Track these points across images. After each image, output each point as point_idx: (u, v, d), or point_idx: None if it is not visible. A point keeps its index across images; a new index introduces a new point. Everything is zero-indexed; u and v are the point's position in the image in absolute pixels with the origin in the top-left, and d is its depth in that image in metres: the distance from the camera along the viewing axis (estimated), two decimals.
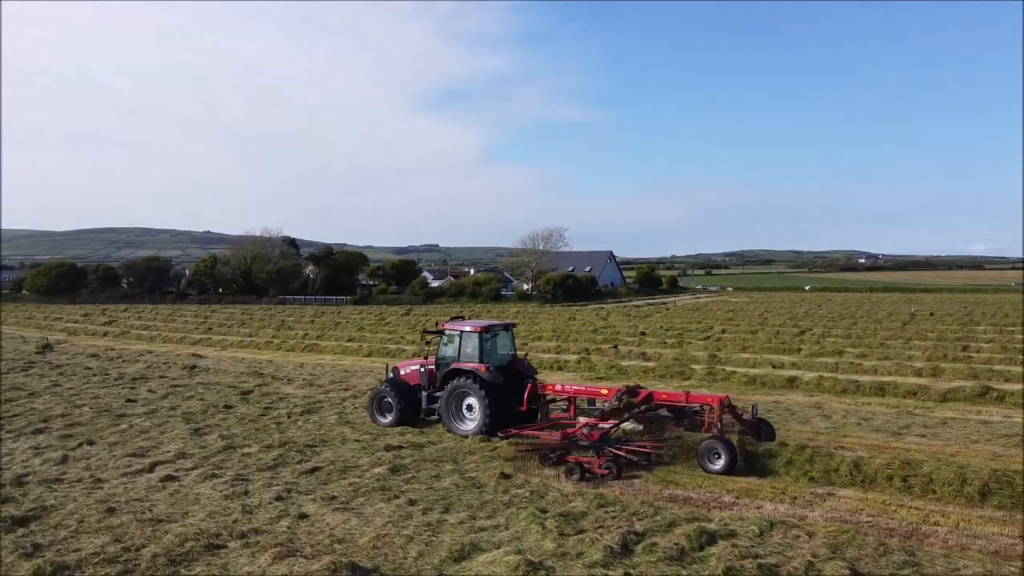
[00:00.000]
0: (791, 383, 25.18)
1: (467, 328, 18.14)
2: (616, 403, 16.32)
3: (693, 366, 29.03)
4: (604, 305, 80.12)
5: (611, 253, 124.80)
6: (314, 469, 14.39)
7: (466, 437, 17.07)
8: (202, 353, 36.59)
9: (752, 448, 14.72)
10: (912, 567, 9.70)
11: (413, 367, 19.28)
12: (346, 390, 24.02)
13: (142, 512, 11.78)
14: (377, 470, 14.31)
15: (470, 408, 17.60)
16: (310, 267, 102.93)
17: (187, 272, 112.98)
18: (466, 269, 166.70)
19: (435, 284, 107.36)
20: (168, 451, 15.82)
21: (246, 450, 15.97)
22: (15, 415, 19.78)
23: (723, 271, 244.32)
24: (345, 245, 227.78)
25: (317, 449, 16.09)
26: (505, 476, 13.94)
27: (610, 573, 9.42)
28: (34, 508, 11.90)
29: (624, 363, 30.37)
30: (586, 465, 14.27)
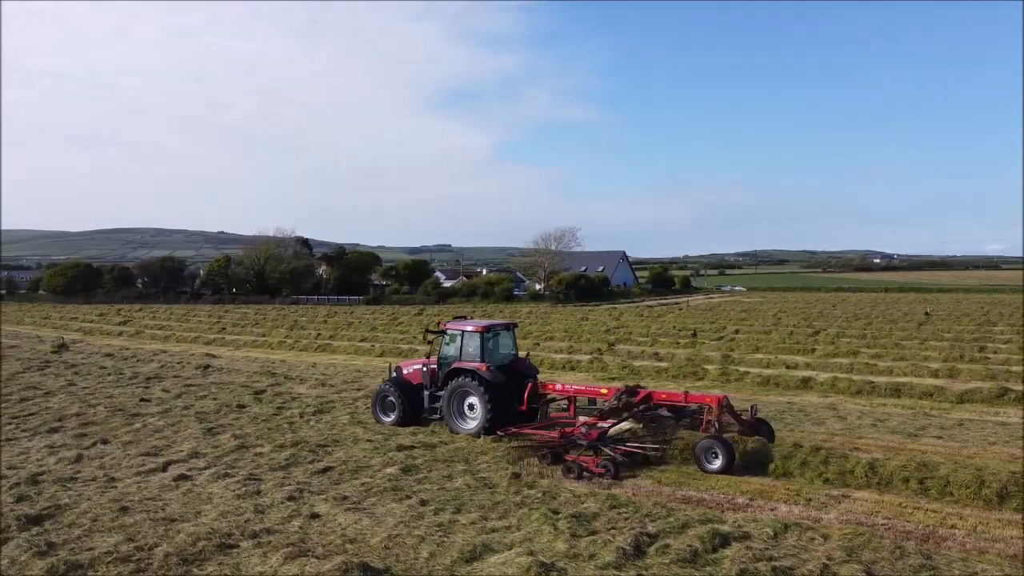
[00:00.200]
0: (805, 384, 25.00)
1: (469, 328, 18.22)
2: (615, 403, 16.39)
3: (706, 366, 28.88)
4: (617, 305, 79.93)
5: (624, 253, 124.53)
6: (326, 469, 14.40)
7: (478, 436, 17.07)
8: (216, 353, 36.77)
9: (753, 447, 14.71)
10: (929, 571, 9.58)
11: (416, 366, 19.35)
12: (358, 390, 24.04)
13: (155, 511, 11.82)
14: (389, 470, 14.30)
15: (471, 407, 17.69)
16: (323, 267, 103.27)
17: (201, 272, 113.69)
18: (478, 269, 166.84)
19: (447, 284, 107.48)
20: (181, 450, 15.88)
21: (258, 450, 16.00)
22: (31, 414, 19.94)
23: (736, 271, 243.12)
24: (358, 245, 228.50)
25: (329, 449, 16.11)
26: (516, 476, 13.91)
27: (622, 575, 9.36)
28: (48, 507, 11.97)
29: (637, 363, 30.26)
30: (583, 464, 14.31)
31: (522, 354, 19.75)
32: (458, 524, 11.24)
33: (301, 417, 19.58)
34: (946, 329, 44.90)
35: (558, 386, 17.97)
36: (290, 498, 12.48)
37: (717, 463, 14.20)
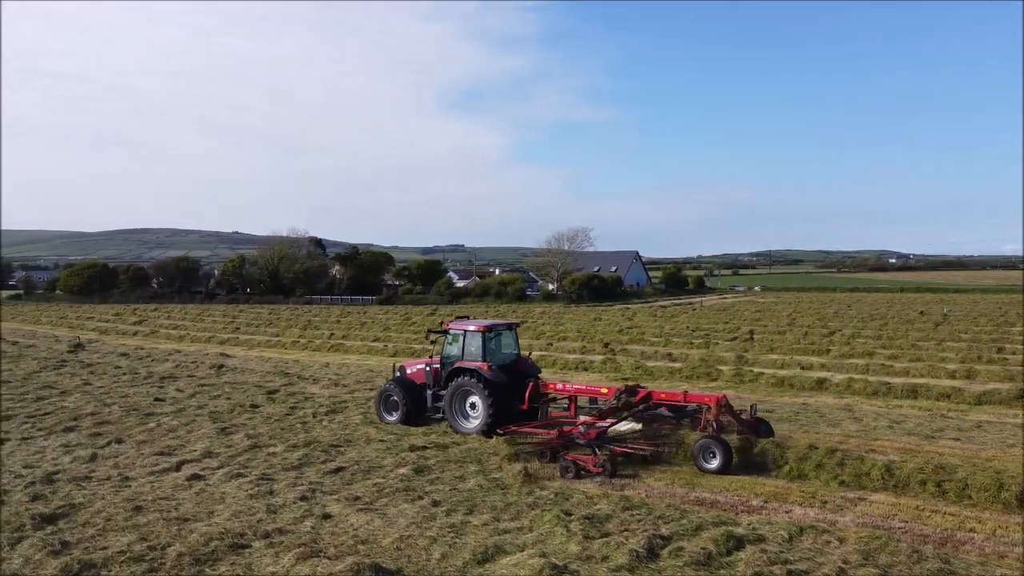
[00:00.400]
0: (820, 385, 24.79)
1: (471, 328, 18.31)
2: (615, 402, 16.48)
3: (720, 367, 28.70)
4: (630, 305, 79.70)
5: (637, 253, 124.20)
6: (338, 469, 14.40)
7: (489, 436, 17.04)
8: (229, 352, 36.93)
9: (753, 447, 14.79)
10: (948, 575, 9.45)
11: (419, 366, 19.49)
12: (371, 390, 24.03)
13: (168, 511, 11.86)
14: (401, 471, 14.28)
15: (473, 406, 17.80)
16: (336, 267, 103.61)
17: (216, 272, 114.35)
18: (491, 269, 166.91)
19: (460, 284, 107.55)
20: (195, 450, 15.94)
21: (271, 449, 16.03)
22: (46, 413, 20.08)
23: (750, 271, 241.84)
24: (371, 245, 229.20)
25: (342, 449, 16.11)
26: (528, 474, 13.86)
27: None
28: (63, 506, 12.03)
29: (650, 364, 30.12)
30: (581, 463, 14.33)
31: (524, 354, 19.85)
32: (470, 525, 11.20)
33: (314, 417, 19.61)
34: (963, 330, 44.45)
35: (559, 386, 18.05)
36: (302, 498, 12.48)
37: (715, 462, 14.24)
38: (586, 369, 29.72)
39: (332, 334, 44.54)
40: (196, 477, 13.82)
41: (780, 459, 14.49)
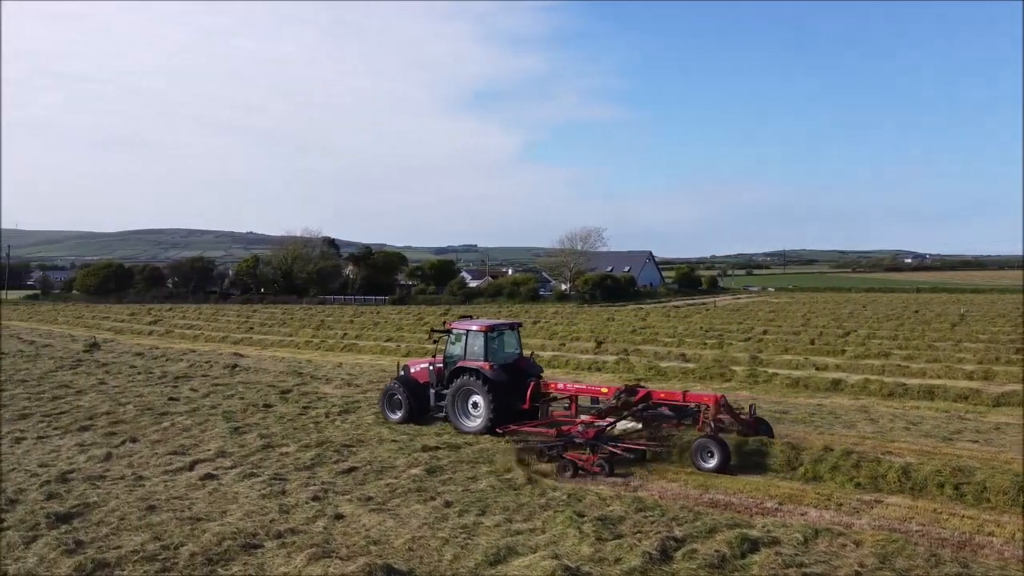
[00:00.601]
0: (835, 386, 24.59)
1: (473, 327, 18.49)
2: (614, 402, 16.62)
3: (734, 367, 28.54)
4: (643, 305, 79.45)
5: (650, 253, 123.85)
6: (351, 469, 14.39)
7: (503, 434, 17.01)
8: (243, 352, 37.09)
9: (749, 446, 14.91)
10: None
11: (422, 365, 19.65)
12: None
13: (181, 510, 11.89)
14: (413, 471, 14.26)
15: (475, 405, 17.93)
16: (350, 267, 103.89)
17: (230, 272, 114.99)
18: (504, 269, 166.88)
19: (473, 284, 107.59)
20: (208, 449, 15.98)
21: (284, 449, 16.06)
22: (62, 412, 20.21)
23: (764, 271, 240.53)
24: (384, 245, 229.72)
25: (354, 449, 16.11)
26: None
27: None
28: (77, 505, 12.09)
29: (663, 364, 29.99)
30: (579, 462, 14.37)
31: (527, 353, 20.00)
32: (482, 526, 11.15)
33: (327, 417, 19.64)
34: (981, 330, 43.98)
35: (560, 385, 18.22)
36: (315, 498, 12.48)
37: (712, 462, 14.30)
38: (599, 370, 29.62)
39: (345, 334, 44.65)
40: (209, 477, 13.86)
41: (795, 460, 14.36)
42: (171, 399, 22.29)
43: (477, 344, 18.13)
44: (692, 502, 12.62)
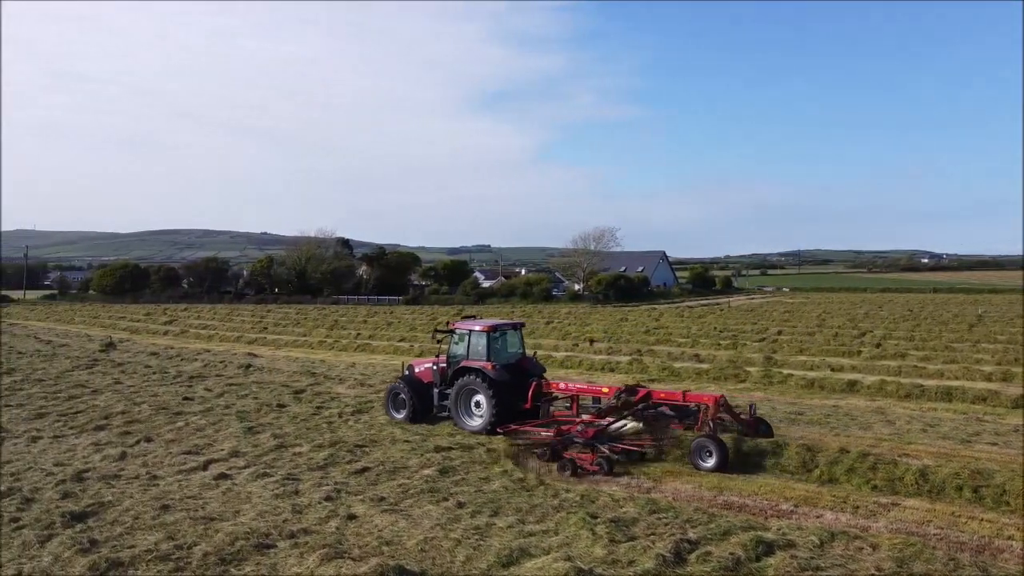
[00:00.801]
0: (851, 387, 24.37)
1: (476, 327, 18.68)
2: (614, 401, 16.79)
3: (748, 368, 28.35)
4: (656, 306, 79.16)
5: (663, 253, 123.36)
6: (363, 469, 14.39)
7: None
8: (257, 352, 37.24)
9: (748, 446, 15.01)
10: None
11: (426, 365, 19.81)
12: None
13: (195, 510, 11.93)
14: (426, 471, 14.24)
15: (478, 405, 18.11)
16: (363, 267, 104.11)
17: (244, 272, 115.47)
18: (517, 269, 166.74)
19: (486, 284, 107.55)
20: (222, 449, 16.03)
21: (297, 449, 16.09)
22: (78, 412, 20.35)
23: (779, 271, 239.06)
24: (398, 245, 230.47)
25: (367, 449, 16.12)
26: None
27: None
28: (92, 504, 12.16)
29: (677, 365, 29.84)
30: (578, 461, 14.47)
31: (529, 352, 20.21)
32: (495, 527, 11.11)
33: (340, 417, 19.67)
34: (999, 331, 43.49)
35: (561, 385, 18.38)
36: (327, 498, 12.49)
37: (711, 461, 14.37)
38: (612, 370, 29.51)
39: (359, 334, 44.74)
40: (223, 476, 13.90)
41: (810, 462, 14.24)
42: (185, 399, 22.39)
43: (480, 344, 18.29)
44: (706, 504, 12.53)
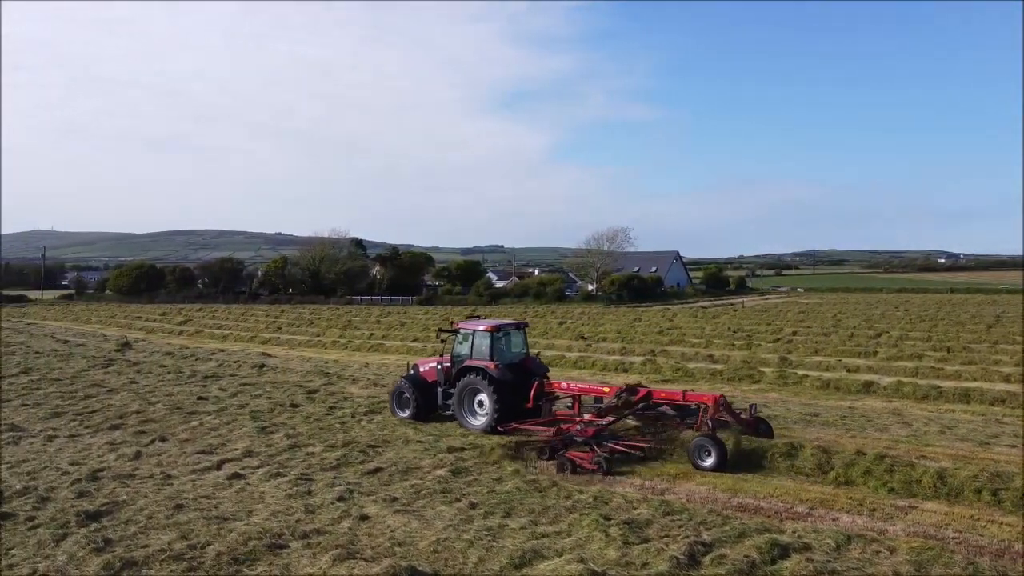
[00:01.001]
0: (867, 388, 24.15)
1: (480, 327, 18.90)
2: (615, 401, 16.87)
3: (763, 369, 28.16)
4: (670, 306, 78.87)
5: (677, 253, 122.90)
6: (376, 470, 14.38)
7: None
8: (271, 352, 37.38)
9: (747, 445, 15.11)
10: None
11: (431, 364, 19.97)
12: None
13: (208, 509, 11.95)
14: (439, 472, 14.22)
15: (481, 404, 18.25)
16: (377, 267, 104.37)
17: (259, 272, 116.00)
18: (530, 269, 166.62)
19: (500, 285, 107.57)
20: (235, 449, 16.07)
21: (310, 449, 16.10)
22: (94, 411, 20.48)
23: (793, 271, 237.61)
24: (411, 246, 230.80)
25: (380, 449, 16.11)
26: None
27: None
28: (106, 503, 12.21)
29: (691, 365, 29.68)
30: (577, 460, 14.54)
31: (533, 352, 20.38)
32: (508, 528, 11.07)
33: (353, 417, 19.68)
34: (1018, 332, 42.98)
35: (563, 384, 18.53)
36: (340, 499, 12.48)
37: (710, 460, 14.42)
38: (625, 370, 29.38)
39: (372, 334, 44.83)
40: (236, 476, 13.93)
41: (826, 464, 14.10)
42: (200, 398, 22.48)
43: (483, 344, 18.44)
44: (721, 506, 12.43)
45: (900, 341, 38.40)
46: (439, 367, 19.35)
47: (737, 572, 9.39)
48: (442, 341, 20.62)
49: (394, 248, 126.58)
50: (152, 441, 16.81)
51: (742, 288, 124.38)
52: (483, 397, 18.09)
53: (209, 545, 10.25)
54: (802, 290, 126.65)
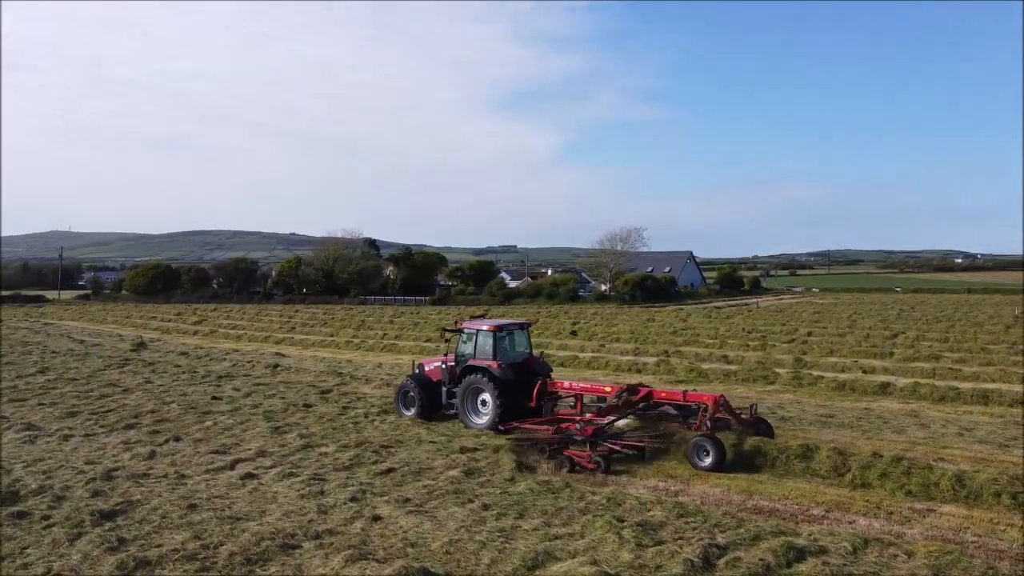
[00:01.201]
0: (884, 389, 23.92)
1: (483, 327, 19.04)
2: (616, 400, 16.99)
3: (777, 370, 27.95)
4: (684, 306, 78.54)
5: (691, 253, 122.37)
6: (389, 470, 14.37)
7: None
8: (285, 352, 37.51)
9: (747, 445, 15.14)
10: None
11: (436, 364, 20.14)
12: None
13: (222, 509, 11.97)
14: (451, 472, 14.18)
15: (484, 403, 18.40)
16: (390, 268, 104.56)
17: (273, 273, 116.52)
18: (543, 270, 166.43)
19: (513, 285, 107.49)
20: (249, 449, 16.11)
21: (323, 449, 16.11)
22: (109, 410, 20.60)
23: (808, 271, 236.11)
24: (424, 246, 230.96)
25: (392, 450, 16.10)
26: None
27: None
28: (121, 503, 12.25)
29: (705, 366, 29.52)
30: (576, 459, 14.64)
31: (539, 352, 20.49)
32: (520, 530, 11.01)
33: (366, 417, 19.70)
34: None
35: (566, 384, 18.69)
36: (353, 499, 12.47)
37: (708, 460, 14.47)
38: (639, 371, 29.26)
39: (385, 334, 44.90)
40: (249, 476, 13.96)
41: (842, 466, 13.97)
42: (214, 398, 22.58)
43: (486, 343, 18.60)
44: (735, 508, 12.34)
45: (917, 342, 38.02)
46: (443, 366, 19.53)
47: (752, 575, 9.29)
48: (446, 340, 20.81)
49: (407, 248, 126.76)
50: (166, 441, 16.89)
51: (756, 288, 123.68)
52: (486, 396, 18.26)
53: (222, 545, 10.26)
54: (817, 290, 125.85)
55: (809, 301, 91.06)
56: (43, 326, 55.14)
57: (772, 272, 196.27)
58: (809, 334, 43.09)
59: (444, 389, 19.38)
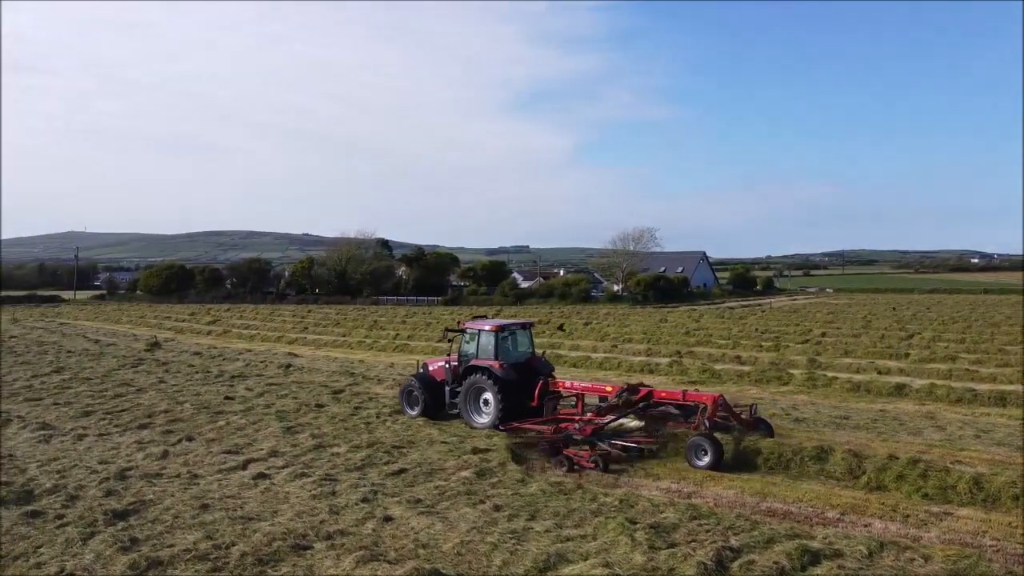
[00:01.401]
0: (899, 390, 23.70)
1: (485, 327, 19.24)
2: (616, 400, 17.07)
3: (791, 371, 27.75)
4: (696, 307, 78.25)
5: (704, 254, 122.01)
6: (401, 471, 14.35)
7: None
8: (297, 352, 37.62)
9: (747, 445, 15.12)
10: None
11: (439, 363, 20.36)
12: None
13: (234, 509, 11.97)
14: (463, 473, 14.14)
15: (486, 403, 18.53)
16: (402, 268, 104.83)
17: (286, 273, 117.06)
18: (556, 270, 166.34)
19: (525, 285, 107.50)
20: (261, 449, 16.13)
21: (335, 450, 16.12)
22: (123, 410, 20.70)
23: (822, 271, 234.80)
24: (437, 246, 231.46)
25: (404, 450, 16.09)
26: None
27: None
28: (134, 502, 12.28)
29: (718, 367, 29.36)
30: (575, 458, 14.71)
31: (538, 352, 20.64)
32: (532, 531, 10.95)
33: (377, 418, 19.69)
34: None
35: (567, 383, 18.84)
36: (364, 500, 12.45)
37: (705, 460, 14.49)
38: (652, 372, 29.14)
39: (397, 334, 44.96)
40: (261, 476, 13.96)
41: (857, 469, 13.84)
42: (227, 398, 22.65)
43: (489, 343, 18.78)
44: (749, 510, 12.23)
45: (932, 343, 37.68)
46: (447, 366, 19.70)
47: None
48: (449, 340, 21.00)
49: (419, 249, 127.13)
50: (179, 440, 16.94)
51: (770, 288, 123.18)
52: (488, 396, 18.44)
53: (234, 545, 10.26)
54: (831, 290, 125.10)
55: (823, 301, 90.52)
56: (59, 326, 55.59)
57: (785, 272, 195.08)
58: (823, 335, 42.80)
59: (448, 388, 19.57)
